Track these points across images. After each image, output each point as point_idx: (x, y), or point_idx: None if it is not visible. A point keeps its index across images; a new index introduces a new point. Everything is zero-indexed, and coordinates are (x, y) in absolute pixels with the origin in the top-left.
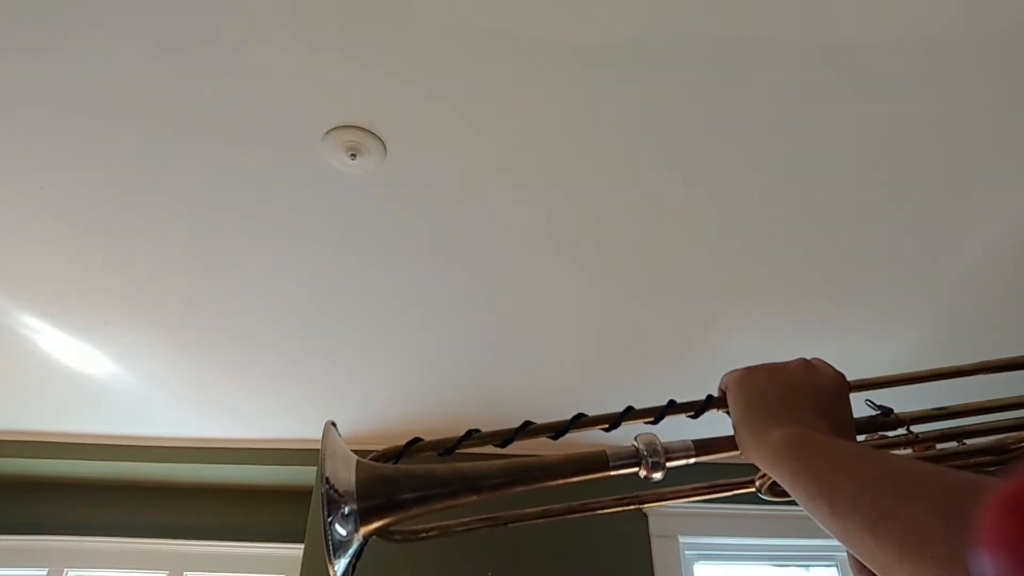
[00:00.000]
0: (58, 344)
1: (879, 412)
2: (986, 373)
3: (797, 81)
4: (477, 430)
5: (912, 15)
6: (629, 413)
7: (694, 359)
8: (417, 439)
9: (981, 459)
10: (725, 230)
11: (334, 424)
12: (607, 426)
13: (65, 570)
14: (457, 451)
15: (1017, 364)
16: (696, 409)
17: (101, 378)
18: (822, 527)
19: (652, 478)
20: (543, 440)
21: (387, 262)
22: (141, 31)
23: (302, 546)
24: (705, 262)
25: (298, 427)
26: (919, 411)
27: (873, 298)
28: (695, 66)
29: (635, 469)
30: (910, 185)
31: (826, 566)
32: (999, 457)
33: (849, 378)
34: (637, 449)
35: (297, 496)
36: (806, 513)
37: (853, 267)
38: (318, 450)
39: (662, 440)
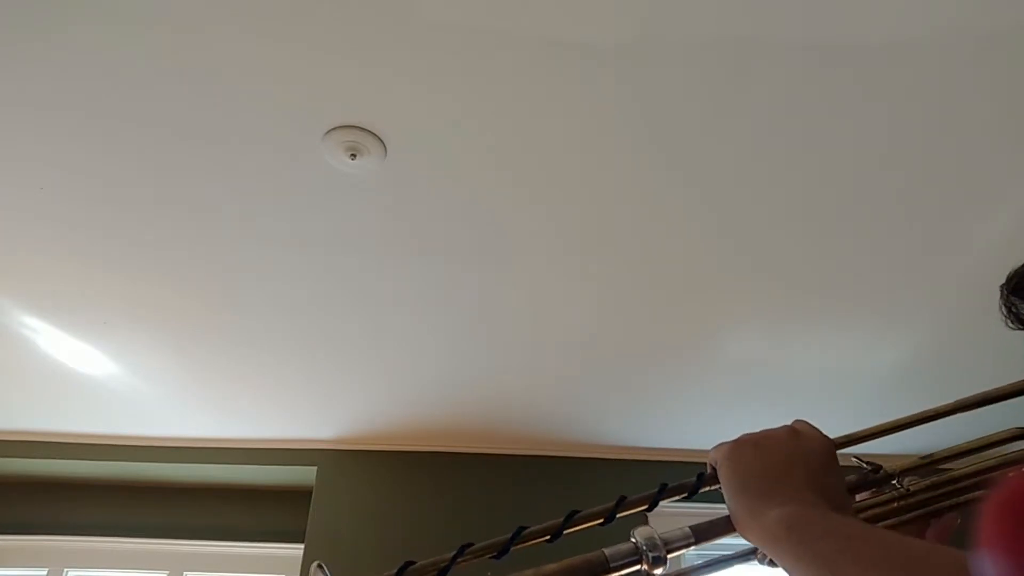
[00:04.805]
0: (58, 344)
1: (869, 468)
2: (963, 411)
3: (797, 81)
4: (470, 544)
5: (913, 14)
6: (623, 504)
7: (693, 358)
8: (409, 563)
9: (970, 495)
10: (725, 230)
11: (322, 566)
12: (602, 521)
13: (65, 570)
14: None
15: (991, 399)
16: (689, 490)
17: (101, 378)
18: None
19: (654, 574)
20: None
21: (387, 262)
22: (141, 31)
23: (302, 546)
24: (705, 262)
25: (298, 427)
26: (907, 462)
27: (874, 298)
28: (695, 66)
29: (636, 567)
30: (911, 184)
31: None
32: (988, 491)
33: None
34: (636, 545)
35: (297, 496)
36: None
37: (853, 267)
38: (318, 450)
39: (659, 531)
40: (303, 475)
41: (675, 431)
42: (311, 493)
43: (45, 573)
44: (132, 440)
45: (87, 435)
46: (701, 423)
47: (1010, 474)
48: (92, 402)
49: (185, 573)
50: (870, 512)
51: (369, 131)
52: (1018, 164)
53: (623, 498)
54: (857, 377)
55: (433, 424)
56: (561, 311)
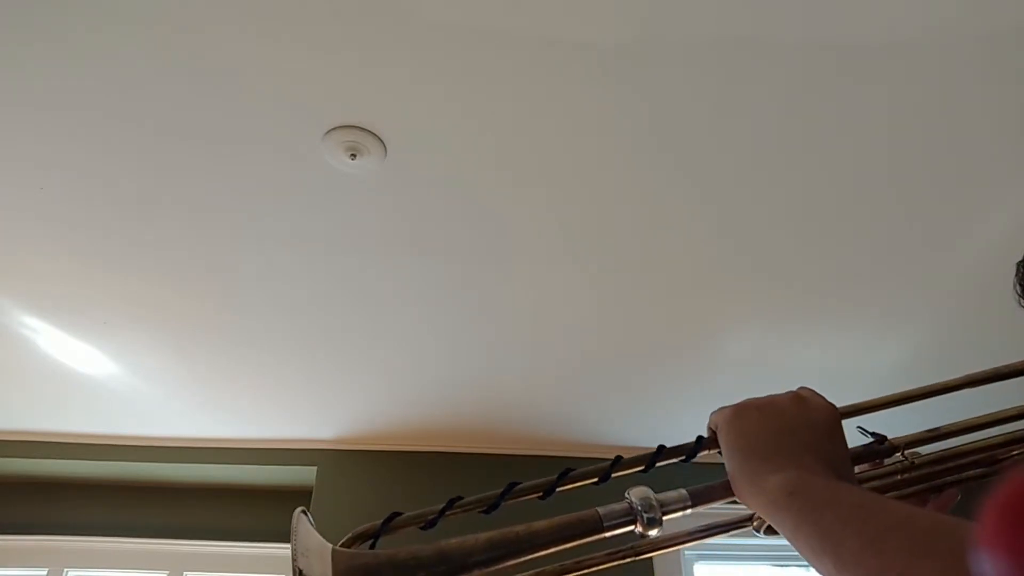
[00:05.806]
0: (58, 344)
1: (873, 440)
2: (972, 386)
3: (797, 80)
4: (460, 497)
5: (913, 14)
6: (618, 463)
7: (693, 358)
8: (395, 514)
9: (973, 472)
10: (725, 230)
11: (305, 512)
12: (596, 480)
13: (65, 570)
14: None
15: (1001, 375)
16: (687, 452)
17: (101, 378)
18: None
19: (648, 535)
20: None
21: (387, 262)
22: (141, 31)
23: None
24: (705, 262)
25: (298, 427)
26: (912, 435)
27: (874, 297)
28: (696, 66)
29: (630, 527)
30: (911, 183)
31: None
32: (990, 468)
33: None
34: (631, 505)
35: (297, 496)
36: None
37: (853, 267)
38: (318, 450)
39: (655, 493)
40: (303, 475)
41: (675, 431)
42: (311, 493)
43: (45, 573)
44: (132, 440)
45: (87, 435)
46: (701, 423)
47: (1014, 453)
48: (92, 402)
49: (185, 573)
50: (872, 484)
51: (369, 131)
52: (1018, 164)
53: (619, 458)
54: (857, 377)
55: (433, 424)
56: (561, 311)
